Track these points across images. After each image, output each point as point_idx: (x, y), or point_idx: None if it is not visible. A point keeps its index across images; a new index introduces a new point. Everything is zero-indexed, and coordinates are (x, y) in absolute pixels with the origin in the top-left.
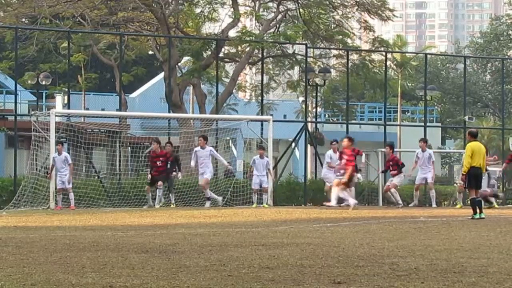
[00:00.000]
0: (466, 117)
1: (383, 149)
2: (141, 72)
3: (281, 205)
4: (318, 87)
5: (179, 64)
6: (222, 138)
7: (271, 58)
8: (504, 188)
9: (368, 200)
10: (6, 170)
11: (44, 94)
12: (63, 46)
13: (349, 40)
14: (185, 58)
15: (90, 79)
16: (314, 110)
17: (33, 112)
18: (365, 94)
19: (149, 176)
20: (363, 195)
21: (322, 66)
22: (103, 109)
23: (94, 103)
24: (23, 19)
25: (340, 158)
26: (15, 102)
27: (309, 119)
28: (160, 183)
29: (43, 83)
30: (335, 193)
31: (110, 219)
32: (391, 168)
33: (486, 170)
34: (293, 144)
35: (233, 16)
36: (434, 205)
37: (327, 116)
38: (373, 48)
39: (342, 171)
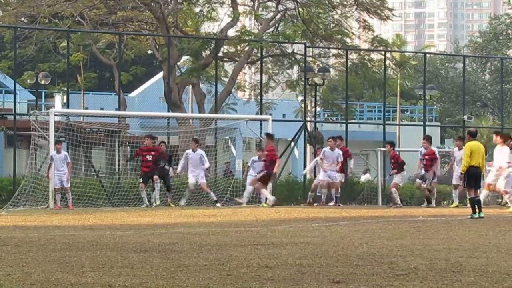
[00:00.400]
0: (465, 117)
1: (383, 148)
2: (140, 71)
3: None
4: (317, 87)
5: (178, 63)
6: (221, 138)
7: (270, 58)
8: None
9: (368, 199)
10: (6, 170)
11: (43, 93)
12: (62, 46)
13: (348, 40)
14: (184, 58)
15: (89, 78)
16: (313, 109)
17: (32, 112)
18: (364, 94)
19: (171, 171)
20: (362, 194)
21: (321, 65)
22: (102, 109)
23: (93, 102)
24: (22, 19)
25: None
26: (14, 102)
27: (308, 119)
28: (156, 177)
29: (42, 82)
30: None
31: (109, 218)
32: (392, 166)
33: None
34: (292, 144)
35: (232, 16)
36: (433, 204)
37: (326, 115)
38: (372, 48)
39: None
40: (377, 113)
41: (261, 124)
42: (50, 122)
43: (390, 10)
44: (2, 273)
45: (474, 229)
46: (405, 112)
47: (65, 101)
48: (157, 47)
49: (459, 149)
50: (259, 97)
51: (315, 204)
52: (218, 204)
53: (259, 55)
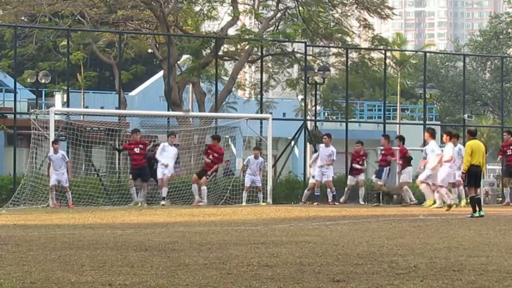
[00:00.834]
0: (466, 115)
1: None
2: (140, 70)
3: (280, 203)
4: (318, 85)
5: (178, 62)
6: (222, 137)
7: (270, 57)
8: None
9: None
10: (6, 169)
11: (43, 92)
12: (62, 45)
13: (348, 38)
14: (185, 57)
15: (89, 77)
16: (313, 108)
17: (32, 111)
18: (364, 92)
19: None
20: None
21: (321, 64)
22: (102, 108)
23: (94, 101)
24: (23, 18)
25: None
26: (15, 101)
27: (308, 118)
28: (144, 184)
29: (43, 81)
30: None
31: (109, 217)
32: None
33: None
34: (293, 142)
35: (233, 15)
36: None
37: (326, 114)
38: (373, 46)
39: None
40: (377, 112)
41: (261, 123)
42: (50, 121)
43: (390, 9)
44: (2, 272)
45: (474, 228)
46: (405, 111)
47: (65, 100)
48: (157, 46)
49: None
50: (259, 96)
51: (315, 203)
52: (163, 202)
53: (259, 54)
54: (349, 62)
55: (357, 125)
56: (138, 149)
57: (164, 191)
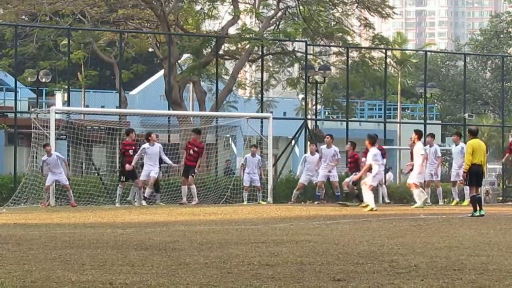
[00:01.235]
0: (466, 115)
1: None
2: (141, 69)
3: (280, 203)
4: (318, 85)
5: (179, 61)
6: (222, 136)
7: (271, 56)
8: (504, 186)
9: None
10: (6, 168)
11: (44, 91)
12: (63, 44)
13: (349, 38)
14: (185, 56)
15: (90, 76)
16: (314, 107)
17: (33, 110)
18: (365, 92)
19: (127, 166)
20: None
21: (322, 63)
22: (103, 107)
23: (94, 100)
24: (23, 17)
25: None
26: (15, 100)
27: (309, 117)
28: (136, 181)
29: (43, 80)
30: None
31: (110, 216)
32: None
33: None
34: (293, 142)
35: (233, 14)
36: (441, 202)
37: (327, 113)
38: (373, 46)
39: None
40: (378, 111)
41: (261, 122)
42: (51, 120)
43: (391, 8)
44: (3, 271)
45: (474, 227)
46: (406, 110)
47: (65, 99)
48: (157, 45)
49: (430, 146)
50: (259, 95)
51: (316, 202)
52: (143, 202)
53: (260, 53)
54: (350, 61)
55: (357, 124)
56: (132, 151)
57: (148, 192)
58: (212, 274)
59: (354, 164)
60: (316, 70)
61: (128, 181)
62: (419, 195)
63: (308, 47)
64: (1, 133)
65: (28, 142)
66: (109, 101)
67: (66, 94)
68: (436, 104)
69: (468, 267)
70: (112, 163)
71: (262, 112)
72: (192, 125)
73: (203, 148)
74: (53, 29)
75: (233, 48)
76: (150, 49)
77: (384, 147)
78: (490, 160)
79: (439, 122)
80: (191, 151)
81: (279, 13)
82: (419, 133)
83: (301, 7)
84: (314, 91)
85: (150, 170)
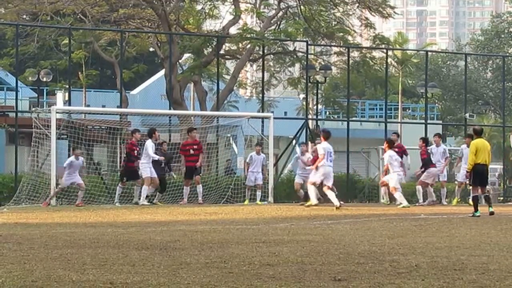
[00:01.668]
0: (467, 115)
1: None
2: (141, 69)
3: (281, 202)
4: (319, 84)
5: (179, 61)
6: (223, 135)
7: (272, 55)
8: (505, 186)
9: (369, 197)
10: (7, 167)
11: (44, 91)
12: (64, 43)
13: (350, 37)
14: (186, 55)
15: (90, 76)
16: (315, 107)
17: (33, 109)
18: (366, 92)
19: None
20: (363, 192)
21: (323, 63)
22: (103, 106)
23: (95, 100)
24: (24, 16)
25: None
26: (16, 99)
27: (310, 117)
28: (138, 181)
29: (44, 80)
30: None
31: (111, 216)
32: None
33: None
34: (294, 141)
35: (234, 13)
36: (444, 202)
37: (328, 113)
38: (374, 46)
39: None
40: (379, 111)
41: (262, 122)
42: (52, 120)
43: (392, 8)
44: (4, 270)
45: (475, 227)
46: (407, 110)
47: (66, 98)
48: (158, 44)
49: (437, 145)
50: (260, 95)
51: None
52: (145, 202)
53: (260, 53)
54: (351, 61)
55: (358, 124)
56: (136, 152)
57: (150, 191)
58: (213, 274)
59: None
60: (317, 70)
61: (129, 181)
62: (400, 197)
63: (309, 47)
64: (2, 133)
65: (29, 142)
66: (110, 101)
67: (67, 94)
68: (437, 104)
69: (469, 267)
70: (113, 162)
71: (263, 111)
72: (193, 124)
73: (201, 144)
74: (54, 29)
75: (234, 47)
76: (151, 49)
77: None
78: (491, 160)
79: (440, 122)
80: (191, 151)
81: (280, 13)
82: (390, 142)
83: (302, 7)
84: (315, 91)
85: (150, 168)
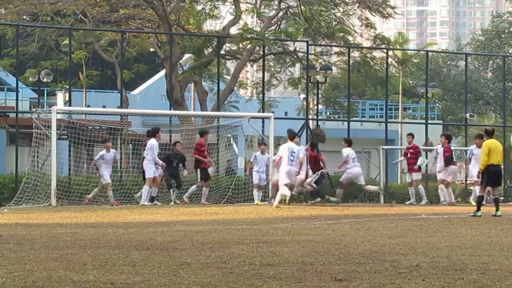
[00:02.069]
0: (468, 115)
1: (385, 147)
2: (142, 69)
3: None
4: (319, 84)
5: (180, 61)
6: (223, 136)
7: (272, 56)
8: (505, 186)
9: (370, 197)
10: (8, 167)
11: (45, 91)
12: (64, 43)
13: (350, 38)
14: (186, 55)
15: (91, 76)
16: (315, 107)
17: (34, 109)
18: (366, 92)
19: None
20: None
21: (323, 63)
22: (104, 106)
23: (95, 100)
24: (24, 16)
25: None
26: (16, 99)
27: (310, 117)
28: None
29: (44, 80)
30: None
31: (112, 216)
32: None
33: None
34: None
35: (234, 13)
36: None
37: (328, 113)
38: (374, 46)
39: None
40: (379, 111)
41: (263, 122)
42: (52, 120)
43: (392, 8)
44: (5, 271)
45: (476, 227)
46: (407, 110)
47: (67, 98)
48: (159, 44)
49: (443, 145)
50: (261, 95)
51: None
52: (147, 202)
53: (261, 53)
54: (351, 61)
55: (359, 124)
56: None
57: (155, 191)
58: (214, 274)
59: (314, 164)
60: (318, 70)
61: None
62: (339, 194)
63: (310, 47)
64: (3, 133)
65: (29, 142)
66: (110, 101)
67: (67, 94)
68: (437, 104)
69: (470, 267)
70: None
71: (263, 112)
72: (193, 125)
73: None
74: (55, 29)
75: (235, 48)
76: (152, 49)
77: (385, 147)
78: None
79: (441, 122)
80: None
81: (281, 13)
82: (347, 141)
83: (302, 7)
84: (315, 91)
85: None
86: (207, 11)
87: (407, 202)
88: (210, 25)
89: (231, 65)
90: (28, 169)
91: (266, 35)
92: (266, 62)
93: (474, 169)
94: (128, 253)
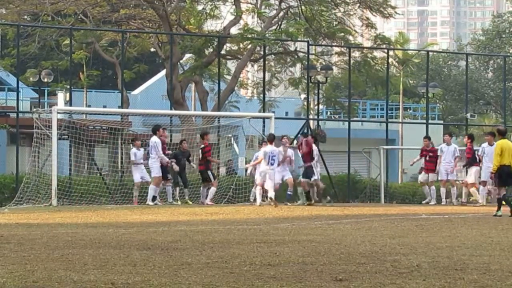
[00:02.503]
0: (468, 115)
1: (385, 147)
2: (143, 69)
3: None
4: (320, 85)
5: (181, 61)
6: (224, 136)
7: (273, 56)
8: None
9: (370, 197)
10: (8, 167)
11: (46, 91)
12: (65, 43)
13: (351, 37)
14: (187, 55)
15: (92, 76)
16: (316, 107)
17: (35, 109)
18: (367, 92)
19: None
20: (365, 192)
21: (324, 63)
22: (104, 106)
23: (96, 100)
24: (25, 16)
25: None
26: (17, 99)
27: (311, 117)
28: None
29: (45, 80)
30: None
31: (112, 216)
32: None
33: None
34: (295, 142)
35: (235, 13)
36: (454, 201)
37: (329, 113)
38: (375, 46)
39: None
40: (380, 111)
41: (263, 122)
42: (53, 120)
43: (393, 8)
44: (5, 271)
45: (476, 227)
46: (408, 110)
47: (67, 98)
48: (159, 45)
49: (448, 144)
50: (261, 95)
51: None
52: (150, 202)
53: (261, 53)
54: (352, 61)
55: (359, 124)
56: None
57: (157, 191)
58: (214, 274)
59: (310, 157)
60: (318, 70)
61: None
62: (301, 194)
63: (310, 47)
64: (3, 133)
65: (30, 142)
66: (111, 101)
67: (68, 94)
68: (438, 104)
69: (470, 267)
70: (114, 163)
71: (264, 112)
72: (194, 125)
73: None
74: (55, 29)
75: (235, 48)
76: (152, 49)
77: (385, 147)
78: None
79: (441, 122)
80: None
81: (281, 13)
82: (269, 138)
83: (303, 7)
84: (316, 91)
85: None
86: (208, 11)
87: (425, 202)
88: (211, 25)
89: (231, 65)
90: (28, 169)
91: (267, 35)
92: (266, 62)
93: (487, 171)
94: (128, 253)
